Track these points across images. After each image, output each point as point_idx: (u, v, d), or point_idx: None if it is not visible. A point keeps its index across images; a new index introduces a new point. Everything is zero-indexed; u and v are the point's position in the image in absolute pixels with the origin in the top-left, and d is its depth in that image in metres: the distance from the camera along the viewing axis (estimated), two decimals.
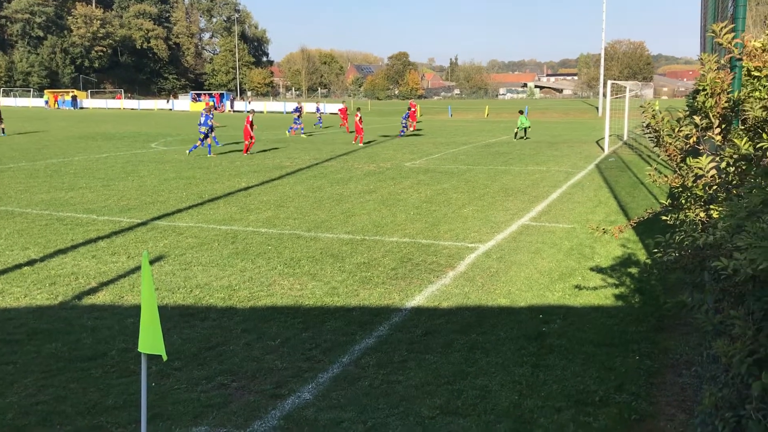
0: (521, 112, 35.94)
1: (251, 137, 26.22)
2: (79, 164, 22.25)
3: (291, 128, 37.83)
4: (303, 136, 35.82)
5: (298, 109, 38.67)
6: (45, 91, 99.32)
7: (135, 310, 7.38)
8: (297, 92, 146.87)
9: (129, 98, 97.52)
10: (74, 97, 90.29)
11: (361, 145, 30.45)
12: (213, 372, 5.88)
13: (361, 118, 32.05)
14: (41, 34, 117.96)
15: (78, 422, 5.02)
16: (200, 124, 25.71)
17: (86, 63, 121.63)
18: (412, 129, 39.28)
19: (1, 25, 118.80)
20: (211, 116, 25.73)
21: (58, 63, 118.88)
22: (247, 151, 26.17)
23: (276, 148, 28.83)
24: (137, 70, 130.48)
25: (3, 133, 36.11)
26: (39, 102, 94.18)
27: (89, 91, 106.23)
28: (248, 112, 27.27)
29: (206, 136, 25.46)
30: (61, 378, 5.76)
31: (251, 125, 26.25)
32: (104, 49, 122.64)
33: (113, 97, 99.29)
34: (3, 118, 36.81)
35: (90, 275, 8.87)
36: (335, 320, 7.17)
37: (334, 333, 6.80)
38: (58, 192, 16.03)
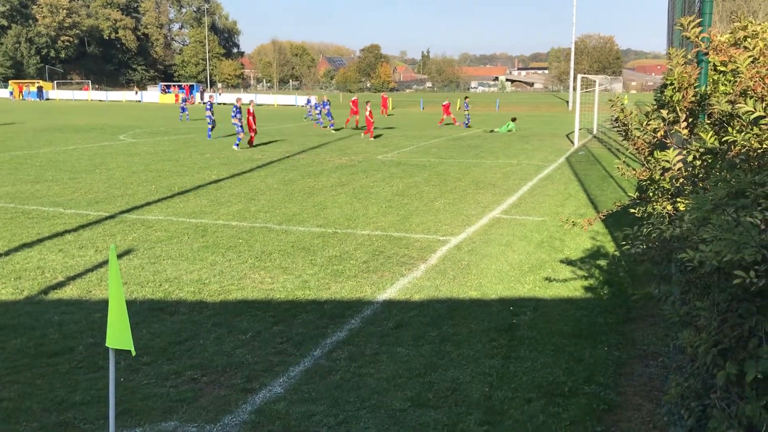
0: (514, 120, 36.18)
1: (254, 129, 26.21)
2: (46, 156, 21.84)
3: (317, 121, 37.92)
4: (333, 130, 34.28)
5: (326, 104, 36.77)
6: (9, 81, 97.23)
7: (103, 305, 7.27)
8: (268, 84, 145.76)
9: (96, 89, 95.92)
10: (40, 88, 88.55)
11: (372, 138, 29.96)
12: (183, 366, 5.83)
13: (371, 111, 31.26)
14: (5, 23, 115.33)
15: (44, 419, 4.94)
16: (233, 116, 25.63)
17: (52, 53, 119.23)
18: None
19: None
20: (238, 108, 25.83)
21: (23, 53, 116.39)
22: (251, 143, 26.20)
23: (284, 140, 28.62)
24: (105, 60, 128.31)
25: None
26: (3, 93, 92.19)
27: (55, 81, 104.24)
28: (248, 103, 27.40)
29: (241, 127, 25.46)
30: (26, 374, 5.66)
31: (253, 117, 26.25)
32: (71, 39, 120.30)
33: (80, 89, 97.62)
34: None
35: (56, 269, 8.73)
36: (307, 314, 7.15)
37: (306, 326, 6.78)
38: (24, 185, 15.72)
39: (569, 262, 9.14)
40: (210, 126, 30.42)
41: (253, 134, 26.20)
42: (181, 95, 52.48)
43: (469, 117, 40.55)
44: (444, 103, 41.65)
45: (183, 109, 43.91)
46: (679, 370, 4.10)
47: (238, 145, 25.16)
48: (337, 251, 9.74)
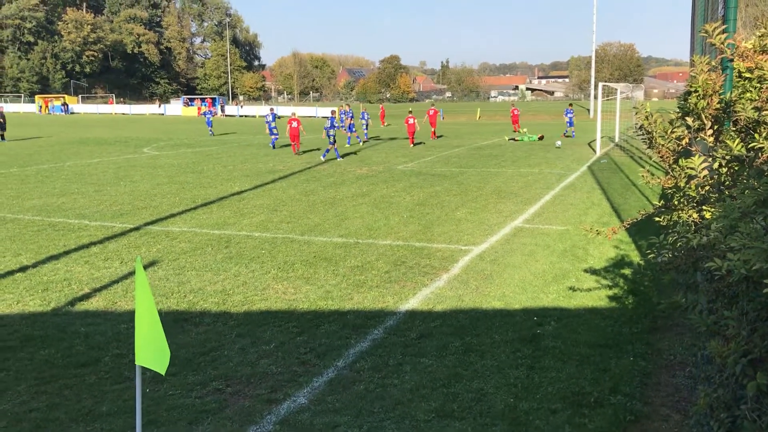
0: (541, 138, 35.03)
1: (296, 137, 27.65)
2: (71, 169, 22.16)
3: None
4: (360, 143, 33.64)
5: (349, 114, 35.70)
6: (36, 96, 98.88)
7: (128, 316, 7.35)
8: (289, 96, 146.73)
9: (120, 103, 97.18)
10: (65, 103, 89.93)
11: (411, 145, 31.52)
12: (208, 377, 5.86)
13: (416, 120, 32.14)
14: (32, 39, 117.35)
15: (72, 429, 4.99)
16: (326, 128, 26.24)
17: (77, 68, 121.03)
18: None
19: None
20: (333, 119, 26.71)
21: (49, 68, 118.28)
22: (296, 150, 27.81)
23: (317, 149, 28.81)
24: (128, 74, 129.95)
25: (3, 139, 36.15)
26: (30, 108, 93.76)
27: (80, 96, 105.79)
28: (292, 114, 29.06)
29: (335, 140, 26.09)
30: (54, 385, 5.72)
31: (299, 126, 27.74)
32: (95, 54, 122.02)
33: (104, 102, 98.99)
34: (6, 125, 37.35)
35: (83, 281, 8.83)
36: (329, 324, 7.16)
37: (329, 337, 6.79)
38: (50, 198, 15.95)
39: (593, 272, 9.06)
40: (274, 137, 31.12)
41: (294, 143, 27.77)
42: (204, 108, 51.36)
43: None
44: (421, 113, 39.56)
45: (209, 123, 42.33)
46: (708, 380, 4.05)
47: (324, 156, 25.80)
48: (359, 261, 9.75)
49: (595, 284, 8.50)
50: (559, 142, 31.05)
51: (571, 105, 39.36)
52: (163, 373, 4.10)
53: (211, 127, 42.17)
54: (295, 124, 27.79)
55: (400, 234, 11.65)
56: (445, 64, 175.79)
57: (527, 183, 18.25)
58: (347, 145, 31.93)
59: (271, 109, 33.66)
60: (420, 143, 33.66)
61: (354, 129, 34.41)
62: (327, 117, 27.95)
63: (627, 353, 6.27)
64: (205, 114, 43.42)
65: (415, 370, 5.95)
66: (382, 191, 16.82)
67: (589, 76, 71.81)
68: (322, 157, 25.49)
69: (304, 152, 28.42)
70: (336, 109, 34.48)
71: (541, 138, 35.04)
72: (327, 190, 17.11)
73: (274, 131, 31.11)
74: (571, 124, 36.92)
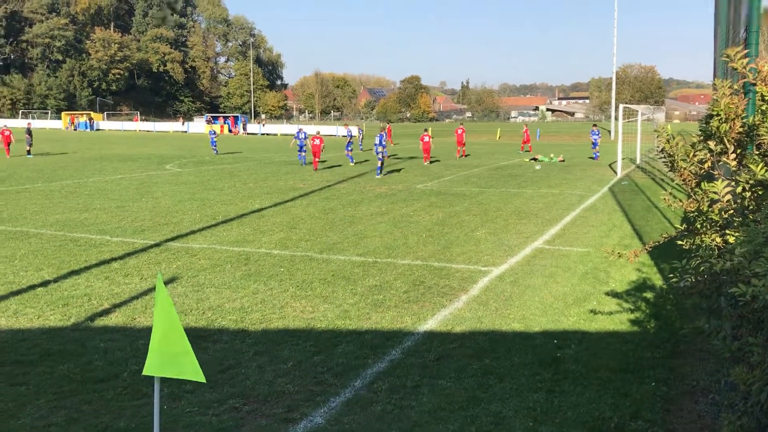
0: (563, 161, 34.92)
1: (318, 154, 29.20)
2: (94, 185, 22.43)
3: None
4: (351, 164, 33.51)
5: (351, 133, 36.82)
6: (62, 113, 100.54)
7: (147, 332, 7.36)
8: (310, 115, 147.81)
9: (145, 120, 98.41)
10: (90, 119, 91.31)
11: (426, 163, 32.40)
12: (225, 395, 5.85)
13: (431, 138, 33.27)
14: (60, 57, 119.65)
15: None
16: (376, 145, 26.99)
17: (103, 86, 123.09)
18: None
19: (22, 49, 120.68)
20: (383, 136, 27.30)
21: (76, 86, 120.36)
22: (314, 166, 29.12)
23: (326, 168, 28.99)
24: (153, 92, 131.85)
25: (29, 154, 36.75)
26: (57, 124, 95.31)
27: (105, 113, 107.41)
28: (316, 133, 30.49)
29: (383, 156, 26.69)
30: (73, 400, 5.74)
31: (321, 144, 29.46)
32: (121, 72, 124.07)
33: (129, 119, 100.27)
34: (33, 141, 38.06)
35: (103, 296, 8.89)
36: (347, 344, 7.13)
37: (346, 356, 6.75)
38: (73, 213, 16.14)
39: (615, 295, 8.96)
40: (304, 153, 31.97)
41: (317, 160, 29.11)
42: (213, 127, 50.45)
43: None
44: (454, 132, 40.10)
45: (213, 143, 41.91)
46: (732, 407, 3.97)
47: (380, 171, 26.30)
48: (378, 281, 9.72)
49: (617, 307, 8.40)
50: (538, 166, 31.03)
51: (595, 125, 38.94)
52: (202, 380, 4.15)
53: (215, 146, 41.98)
54: (317, 141, 29.07)
55: (419, 253, 11.62)
56: (465, 85, 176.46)
57: (548, 204, 18.16)
58: (351, 164, 32.38)
59: (300, 129, 34.24)
60: (435, 161, 34.10)
61: (352, 148, 35.20)
62: (376, 134, 28.78)
63: (649, 378, 6.17)
64: (210, 134, 43.34)
65: (433, 392, 5.89)
66: (401, 210, 16.81)
67: (610, 98, 71.60)
68: (377, 176, 26.03)
69: (325, 169, 29.09)
70: (385, 125, 35.17)
71: (562, 161, 34.86)
72: (346, 208, 17.14)
73: (303, 149, 31.94)
74: (595, 145, 36.37)
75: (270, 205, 17.67)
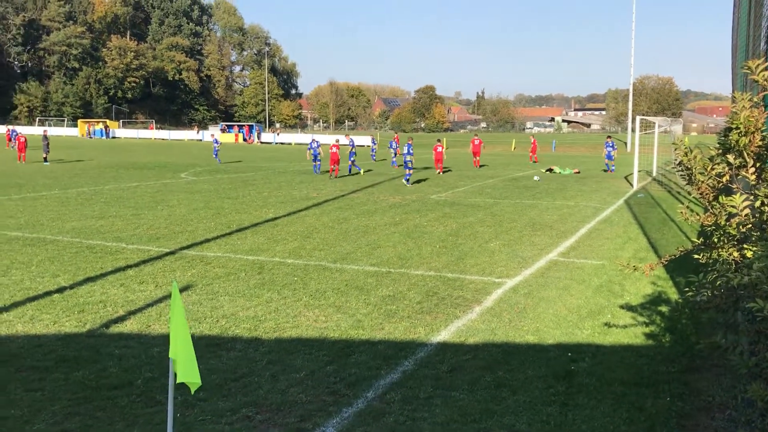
0: (578, 172, 34.85)
1: (337, 162, 29.89)
2: (110, 193, 22.63)
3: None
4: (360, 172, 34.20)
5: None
6: (78, 120, 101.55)
7: (161, 339, 7.43)
8: (325, 124, 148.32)
9: (160, 129, 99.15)
10: (106, 127, 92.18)
11: (440, 173, 33.13)
12: (238, 404, 5.88)
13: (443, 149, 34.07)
14: (77, 65, 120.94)
15: None
16: (404, 154, 27.49)
17: (119, 93, 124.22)
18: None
19: (39, 57, 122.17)
20: (411, 146, 27.94)
21: (92, 93, 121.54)
22: (332, 173, 29.88)
23: (340, 178, 29.09)
24: (169, 101, 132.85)
25: (46, 161, 37.18)
26: (73, 131, 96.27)
27: (121, 120, 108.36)
28: (335, 141, 31.39)
29: (411, 164, 27.38)
30: (87, 406, 5.79)
31: (338, 151, 30.27)
32: (137, 80, 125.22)
33: (145, 127, 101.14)
34: (50, 148, 38.53)
35: (118, 303, 8.96)
36: (360, 354, 7.14)
37: (359, 367, 6.77)
38: (89, 220, 16.29)
39: (630, 308, 8.91)
40: (318, 163, 32.51)
41: (333, 167, 29.76)
42: (216, 135, 48.81)
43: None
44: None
45: (215, 152, 41.55)
46: (749, 424, 3.94)
47: (408, 180, 27.01)
48: (391, 291, 9.73)
49: (632, 321, 8.36)
50: (537, 177, 30.97)
51: (609, 137, 38.00)
52: (198, 382, 4.27)
53: (217, 155, 41.46)
54: (335, 149, 29.79)
55: (432, 264, 11.62)
56: (480, 95, 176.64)
57: (562, 216, 18.10)
58: (360, 173, 32.77)
59: (314, 139, 34.79)
60: (447, 170, 34.61)
61: (354, 159, 35.09)
62: (404, 144, 29.24)
63: (664, 393, 6.13)
64: (214, 142, 42.98)
65: (445, 404, 5.89)
66: (414, 220, 16.82)
67: (627, 109, 71.35)
68: (408, 185, 26.64)
69: (340, 177, 29.78)
70: (410, 135, 35.87)
71: (577, 172, 34.75)
72: (360, 218, 17.17)
73: (318, 158, 32.50)
74: (609, 157, 35.56)
75: (284, 214, 17.75)
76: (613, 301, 9.31)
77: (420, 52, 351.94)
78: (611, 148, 35.75)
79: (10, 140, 54.35)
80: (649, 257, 12.26)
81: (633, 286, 10.05)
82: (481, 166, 39.06)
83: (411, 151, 27.46)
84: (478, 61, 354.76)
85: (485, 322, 8.32)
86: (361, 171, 33.73)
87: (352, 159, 34.26)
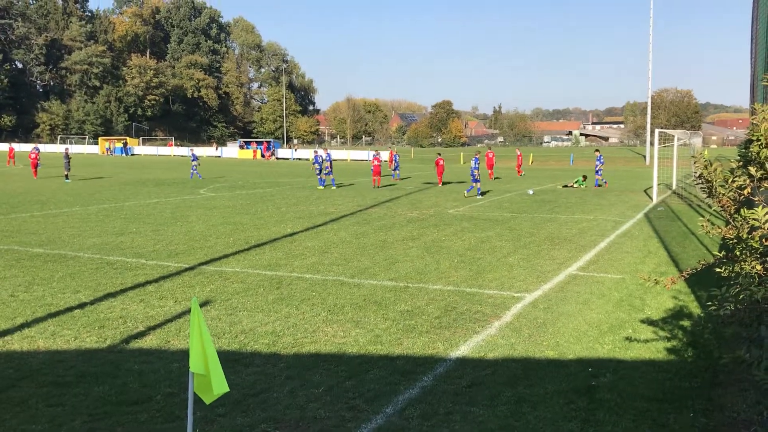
0: (585, 178, 34.75)
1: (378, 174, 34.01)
2: (130, 209, 22.84)
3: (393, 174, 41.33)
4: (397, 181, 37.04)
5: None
6: (99, 138, 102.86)
7: (181, 355, 7.46)
8: (342, 140, 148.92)
9: (179, 146, 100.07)
10: (125, 144, 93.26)
11: (440, 185, 34.87)
12: (257, 419, 5.88)
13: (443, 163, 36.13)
14: (97, 83, 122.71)
15: None
16: (472, 168, 28.79)
17: (139, 111, 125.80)
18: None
19: (61, 76, 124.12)
20: (478, 159, 29.40)
21: (113, 111, 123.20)
22: (376, 184, 33.70)
23: (357, 194, 29.18)
24: (188, 118, 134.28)
25: (67, 179, 37.61)
26: (94, 149, 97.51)
27: (141, 138, 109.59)
28: (375, 152, 36.26)
29: (477, 176, 28.87)
30: (108, 422, 5.82)
31: (380, 165, 34.38)
32: (157, 98, 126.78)
33: (164, 144, 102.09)
34: (71, 166, 38.90)
35: (138, 319, 9.02)
36: (378, 369, 7.12)
37: (378, 382, 6.74)
38: (109, 236, 16.44)
39: (651, 322, 8.81)
40: (320, 175, 33.87)
41: (378, 178, 33.92)
42: (194, 151, 47.67)
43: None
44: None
45: (194, 169, 41.28)
46: None
47: (480, 192, 28.64)
48: (409, 306, 9.71)
49: (653, 335, 8.26)
50: (530, 191, 31.10)
51: (598, 151, 37.19)
52: (225, 389, 4.36)
53: (196, 171, 41.11)
54: (376, 162, 34.00)
55: (450, 279, 11.58)
56: (497, 109, 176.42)
57: (581, 230, 17.99)
58: (320, 187, 33.44)
59: (325, 149, 36.11)
60: (450, 183, 36.46)
61: (331, 172, 35.23)
62: (472, 158, 30.49)
63: (687, 409, 6.04)
64: (192, 158, 41.99)
65: (465, 420, 5.85)
66: (432, 235, 16.80)
67: (645, 122, 70.94)
68: (478, 195, 28.22)
69: (382, 187, 33.10)
70: (481, 149, 37.17)
71: (584, 178, 34.94)
72: (377, 233, 17.18)
73: (325, 172, 33.76)
74: (597, 173, 34.75)
75: (302, 230, 17.80)
76: (634, 315, 9.22)
77: (437, 67, 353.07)
78: (600, 163, 34.97)
79: (12, 158, 54.94)
80: (670, 271, 12.13)
81: (654, 301, 9.94)
82: (495, 178, 40.53)
83: (477, 165, 28.65)
84: (495, 76, 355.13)
85: (504, 337, 8.26)
86: (335, 185, 34.08)
87: (327, 173, 34.19)
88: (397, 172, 41.92)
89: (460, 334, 8.38)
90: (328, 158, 34.63)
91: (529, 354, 7.63)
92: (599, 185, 34.49)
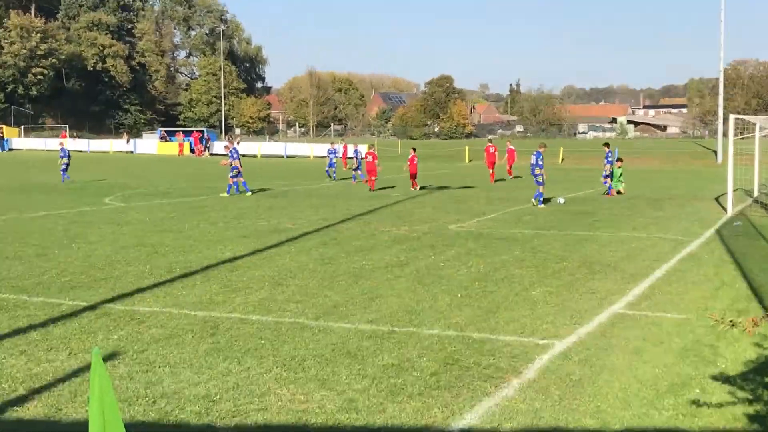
0: (620, 160, 35.29)
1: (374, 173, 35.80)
2: (7, 226, 22.67)
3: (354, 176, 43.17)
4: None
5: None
6: None
7: (77, 428, 7.38)
8: (302, 129, 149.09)
9: (76, 137, 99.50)
10: (1, 136, 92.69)
11: (415, 189, 36.68)
12: None
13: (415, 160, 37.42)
14: None
15: None
16: (533, 165, 29.76)
17: (20, 90, 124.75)
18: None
19: None
20: (539, 154, 30.10)
21: None
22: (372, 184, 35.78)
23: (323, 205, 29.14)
24: (88, 99, 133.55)
25: None
26: None
27: (23, 126, 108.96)
28: (369, 147, 38.57)
29: (542, 180, 29.65)
30: None
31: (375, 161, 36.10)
32: (44, 71, 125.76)
33: (55, 135, 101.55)
34: None
35: (17, 378, 8.92)
36: None
37: None
38: None
39: (726, 380, 8.88)
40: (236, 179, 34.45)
41: (373, 178, 35.57)
42: (66, 142, 47.48)
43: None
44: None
45: (63, 171, 41.65)
46: None
47: (541, 199, 29.34)
48: (395, 358, 9.71)
49: (729, 397, 8.32)
50: (561, 199, 30.83)
51: (607, 145, 37.05)
52: None
53: (66, 172, 41.40)
54: (370, 158, 35.27)
55: (452, 320, 11.61)
56: (514, 88, 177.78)
57: (630, 252, 18.12)
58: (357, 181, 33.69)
59: (230, 143, 38.07)
60: (423, 187, 37.73)
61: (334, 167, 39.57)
62: (533, 153, 30.73)
63: None
64: (62, 154, 42.01)
65: None
66: (427, 260, 16.84)
67: (716, 106, 71.86)
68: (540, 204, 28.91)
69: (380, 189, 34.02)
70: (545, 142, 37.39)
71: (620, 161, 35.65)
72: (352, 257, 17.19)
73: (353, 167, 37.08)
74: (609, 175, 35.01)
75: (247, 253, 17.77)
76: (703, 369, 9.28)
77: (433, 30, 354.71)
78: (608, 163, 35.19)
79: None
80: (752, 309, 12.24)
81: (730, 349, 10.02)
82: (496, 180, 42.69)
83: (539, 162, 29.13)
84: (511, 42, 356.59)
85: (527, 400, 8.28)
86: (249, 192, 34.50)
87: (356, 168, 36.77)
88: (359, 171, 43.39)
89: (466, 396, 8.39)
90: (355, 153, 39.83)
91: (561, 424, 7.65)
92: (615, 192, 34.51)
